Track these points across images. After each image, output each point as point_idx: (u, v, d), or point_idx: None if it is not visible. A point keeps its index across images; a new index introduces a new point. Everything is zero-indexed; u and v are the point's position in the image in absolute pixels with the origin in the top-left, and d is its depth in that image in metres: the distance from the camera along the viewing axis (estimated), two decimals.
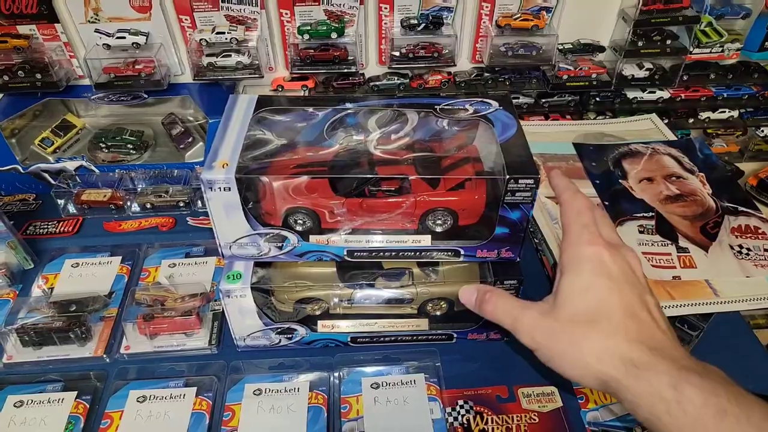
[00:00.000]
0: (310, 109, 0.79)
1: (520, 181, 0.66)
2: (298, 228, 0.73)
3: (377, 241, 0.75)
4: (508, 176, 0.65)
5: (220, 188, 0.66)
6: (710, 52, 1.20)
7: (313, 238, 0.74)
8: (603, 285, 0.48)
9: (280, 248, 0.74)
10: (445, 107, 0.78)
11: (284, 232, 0.72)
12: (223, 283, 0.74)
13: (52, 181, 1.06)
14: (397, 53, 1.10)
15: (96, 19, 1.03)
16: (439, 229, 0.75)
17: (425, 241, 0.75)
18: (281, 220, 0.73)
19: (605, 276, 0.48)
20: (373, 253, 0.75)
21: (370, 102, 0.81)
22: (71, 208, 1.04)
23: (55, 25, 1.04)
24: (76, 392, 0.75)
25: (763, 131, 1.36)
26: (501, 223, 0.71)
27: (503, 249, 0.74)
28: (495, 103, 0.77)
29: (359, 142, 0.75)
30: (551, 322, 0.49)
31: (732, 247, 0.84)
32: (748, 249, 0.84)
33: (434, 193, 0.73)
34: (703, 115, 1.31)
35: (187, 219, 1.03)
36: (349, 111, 0.80)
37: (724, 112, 1.31)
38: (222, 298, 0.75)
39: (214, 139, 0.71)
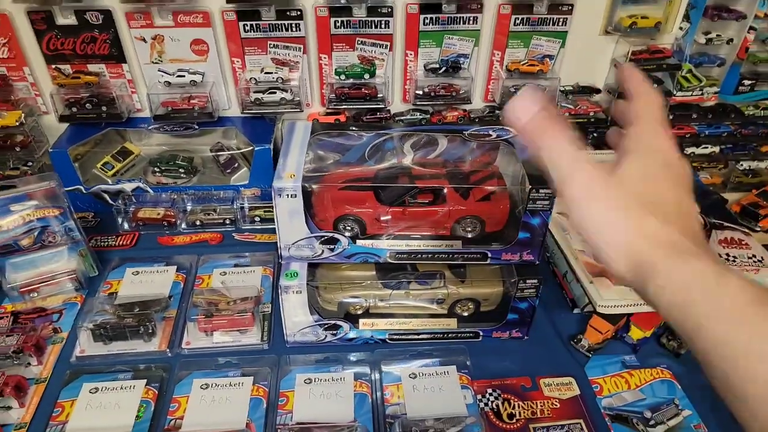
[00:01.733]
0: (356, 134, 0.93)
1: (540, 190, 0.78)
2: (347, 234, 0.85)
3: (415, 244, 0.86)
4: (530, 186, 0.78)
5: (288, 195, 0.78)
6: (692, 95, 1.36)
7: (359, 242, 0.85)
8: (669, 179, 0.46)
9: (332, 250, 0.85)
10: (473, 132, 0.91)
11: (337, 235, 0.84)
12: (282, 280, 0.84)
13: (111, 201, 1.17)
14: (420, 92, 1.25)
15: (159, 60, 1.17)
16: (469, 235, 0.87)
17: (457, 245, 0.87)
18: (332, 227, 0.85)
19: (672, 172, 0.46)
20: (412, 255, 0.86)
21: (407, 129, 0.95)
22: (126, 225, 1.15)
23: (122, 64, 1.18)
24: (145, 380, 0.84)
25: (742, 165, 1.51)
26: (523, 229, 0.83)
27: (525, 252, 0.86)
28: (513, 130, 0.91)
29: (397, 162, 0.88)
30: (611, 187, 0.45)
31: (720, 255, 0.97)
32: (734, 257, 0.96)
33: (465, 203, 0.86)
34: (689, 150, 1.46)
35: (233, 235, 1.14)
36: (387, 136, 0.93)
37: (707, 147, 1.47)
38: (280, 294, 0.85)
39: (280, 158, 0.83)
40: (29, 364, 0.85)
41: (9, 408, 0.79)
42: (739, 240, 1.01)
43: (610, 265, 0.45)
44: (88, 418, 0.78)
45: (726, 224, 1.04)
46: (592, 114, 1.34)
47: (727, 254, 0.97)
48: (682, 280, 0.41)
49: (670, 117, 1.40)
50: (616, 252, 0.44)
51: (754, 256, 0.97)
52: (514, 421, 0.82)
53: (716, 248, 0.98)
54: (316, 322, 0.89)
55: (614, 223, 0.44)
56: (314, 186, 0.80)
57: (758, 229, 1.38)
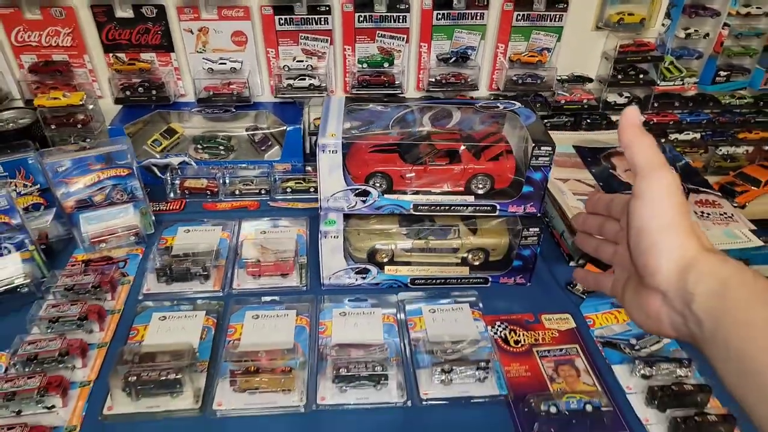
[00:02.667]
0: (380, 107, 1.08)
1: (542, 147, 0.93)
2: (377, 189, 1.00)
3: (434, 198, 1.01)
4: (533, 144, 0.93)
5: (330, 151, 0.93)
6: (673, 85, 1.53)
7: (387, 195, 1.00)
8: (679, 205, 0.49)
9: (364, 202, 0.99)
10: (484, 105, 1.07)
11: (368, 188, 0.98)
12: (323, 226, 0.99)
13: (159, 174, 1.32)
14: (432, 80, 1.41)
15: (203, 50, 1.33)
16: (480, 191, 1.02)
17: (470, 199, 1.02)
18: (364, 182, 1.00)
19: (679, 198, 0.50)
20: (432, 207, 1.01)
21: (425, 102, 1.11)
22: (173, 195, 1.29)
23: (171, 53, 1.34)
24: (204, 311, 0.98)
25: (720, 150, 1.67)
26: (527, 183, 0.98)
27: (528, 204, 1.01)
28: (518, 103, 1.07)
29: (419, 131, 1.04)
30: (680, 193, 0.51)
31: (696, 213, 1.12)
32: (708, 213, 1.12)
33: (477, 163, 1.01)
34: (672, 136, 1.62)
35: (269, 202, 1.29)
36: (408, 110, 1.08)
37: (689, 134, 1.63)
38: (320, 239, 1.00)
39: (320, 122, 0.98)
40: (105, 298, 0.99)
41: (91, 331, 0.93)
42: (712, 201, 1.16)
43: (658, 259, 0.49)
44: (160, 338, 0.92)
45: (701, 189, 1.19)
46: (585, 101, 1.50)
47: (702, 212, 1.12)
48: (724, 269, 0.46)
49: (655, 105, 1.56)
50: (669, 247, 0.49)
51: (725, 213, 1.12)
52: (520, 345, 0.97)
53: (692, 207, 1.13)
54: (348, 265, 1.04)
55: (678, 223, 0.49)
56: (351, 144, 0.96)
57: (735, 204, 1.53)
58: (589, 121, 1.54)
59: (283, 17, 1.30)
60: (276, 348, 0.90)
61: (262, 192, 1.30)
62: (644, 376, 0.90)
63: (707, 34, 1.49)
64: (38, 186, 1.08)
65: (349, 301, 1.04)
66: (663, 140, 1.62)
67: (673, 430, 0.82)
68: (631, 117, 0.53)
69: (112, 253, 1.11)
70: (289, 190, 1.31)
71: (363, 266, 1.05)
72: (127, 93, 1.33)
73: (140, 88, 1.32)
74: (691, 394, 0.85)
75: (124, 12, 1.27)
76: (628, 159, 0.52)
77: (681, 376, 0.90)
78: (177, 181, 1.30)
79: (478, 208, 1.01)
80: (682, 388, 0.85)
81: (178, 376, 0.82)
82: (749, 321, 0.43)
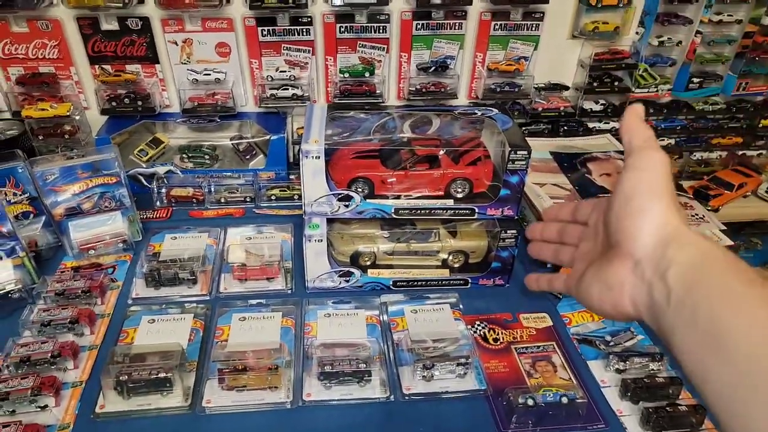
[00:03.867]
0: (362, 115, 1.12)
1: (518, 152, 0.97)
2: (359, 194, 1.03)
3: (415, 203, 1.04)
4: (510, 149, 0.97)
5: (313, 157, 0.96)
6: (648, 92, 1.58)
7: (369, 200, 1.03)
8: (668, 182, 0.51)
9: (347, 206, 1.03)
10: (462, 111, 1.11)
11: (351, 193, 1.02)
12: (307, 230, 1.02)
13: (145, 183, 1.34)
14: (413, 89, 1.45)
15: (188, 61, 1.36)
16: (459, 195, 1.06)
17: (449, 203, 1.05)
18: (346, 187, 1.03)
19: (669, 177, 0.52)
20: (413, 211, 1.04)
21: (406, 110, 1.14)
22: (159, 203, 1.32)
23: (156, 65, 1.36)
24: (192, 314, 1.00)
25: (695, 155, 1.73)
26: (504, 186, 1.01)
27: (506, 207, 1.04)
28: (495, 110, 1.11)
29: (399, 138, 1.07)
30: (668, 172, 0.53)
31: None
32: None
33: (456, 167, 1.04)
34: None
35: (254, 210, 1.32)
36: (389, 117, 1.12)
37: (663, 140, 1.68)
38: (304, 242, 1.02)
39: (304, 129, 1.02)
40: (95, 303, 1.01)
41: (82, 334, 0.94)
42: (685, 203, 1.21)
43: (641, 222, 0.50)
44: (150, 339, 0.94)
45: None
46: (562, 108, 1.55)
47: None
48: (704, 243, 0.48)
49: None
50: (655, 214, 0.50)
51: (697, 214, 1.17)
52: (498, 343, 1.00)
53: None
54: (332, 268, 1.07)
55: (666, 195, 0.51)
56: (334, 150, 0.99)
57: (709, 208, 1.59)
58: (566, 128, 1.59)
59: (265, 28, 1.33)
60: (262, 348, 0.93)
61: (247, 200, 1.33)
62: (618, 371, 0.94)
63: (680, 42, 1.55)
64: (27, 195, 1.10)
65: (333, 303, 1.06)
66: None
67: (645, 421, 0.85)
68: (637, 109, 0.58)
69: (101, 259, 1.13)
70: (273, 197, 1.34)
71: (346, 269, 1.08)
72: (113, 104, 1.35)
73: (126, 99, 1.35)
74: (663, 387, 0.89)
75: (109, 24, 1.30)
76: (625, 142, 0.55)
77: (653, 369, 0.93)
78: (163, 190, 1.32)
79: (457, 211, 1.05)
80: (654, 380, 0.89)
81: (167, 375, 0.85)
82: (723, 287, 0.44)
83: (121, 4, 1.23)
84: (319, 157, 0.97)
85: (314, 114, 1.07)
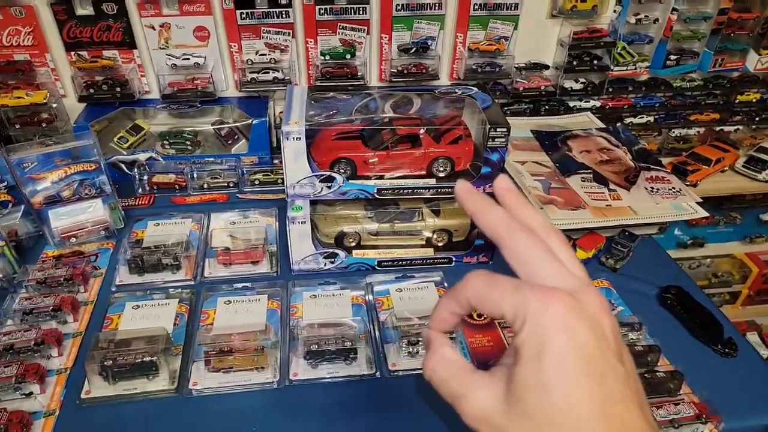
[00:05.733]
0: (343, 96, 1.11)
1: (497, 129, 0.98)
2: (341, 175, 1.03)
3: (398, 182, 1.05)
4: (489, 126, 0.98)
5: (294, 138, 0.96)
6: (626, 70, 1.59)
7: (352, 181, 1.03)
8: (570, 378, 0.33)
9: (330, 187, 1.03)
10: (443, 91, 1.11)
11: (333, 174, 1.02)
12: (290, 212, 1.02)
13: (126, 170, 1.33)
14: (394, 70, 1.45)
15: (166, 46, 1.34)
16: (441, 174, 1.06)
17: (432, 182, 1.06)
18: (328, 169, 1.03)
19: (571, 359, 0.34)
20: (395, 191, 1.05)
21: (387, 90, 1.14)
22: (141, 190, 1.31)
23: (133, 50, 1.35)
24: (177, 299, 1.00)
25: (674, 132, 1.75)
26: (485, 164, 1.02)
27: (487, 185, 1.05)
28: (475, 89, 1.11)
29: (381, 118, 1.07)
30: (503, 418, 0.36)
31: (646, 188, 1.18)
32: (658, 188, 1.18)
33: (437, 146, 1.05)
34: (627, 119, 1.69)
35: (237, 195, 1.31)
36: (371, 97, 1.12)
37: (643, 117, 1.70)
38: (288, 225, 1.03)
39: (284, 111, 1.01)
40: (78, 291, 1.00)
41: (65, 322, 0.94)
42: (662, 177, 1.22)
43: None
44: (134, 325, 0.94)
45: (652, 167, 1.26)
46: (543, 87, 1.56)
47: (653, 187, 1.19)
48: None
49: (610, 90, 1.63)
50: None
51: (674, 188, 1.19)
52: (482, 318, 1.01)
53: (644, 183, 1.20)
54: (317, 250, 1.07)
55: None
56: (315, 132, 0.99)
57: (688, 183, 1.61)
58: (547, 107, 1.60)
59: (244, 11, 1.32)
60: (248, 330, 0.93)
61: (231, 185, 1.32)
62: None
63: (657, 20, 1.56)
64: (5, 183, 1.09)
65: (318, 284, 1.07)
66: (618, 124, 1.68)
67: None
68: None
69: (83, 248, 1.12)
70: (257, 182, 1.33)
71: (331, 251, 1.08)
72: (91, 91, 1.34)
73: (104, 86, 1.33)
74: (642, 355, 0.91)
75: (84, 9, 1.28)
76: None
77: (633, 339, 0.95)
78: (145, 177, 1.31)
79: (439, 190, 1.05)
80: (633, 349, 0.91)
81: (153, 359, 0.85)
82: None
83: None
84: (299, 138, 0.97)
85: (294, 95, 1.07)
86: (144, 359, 0.84)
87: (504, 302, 0.36)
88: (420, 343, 0.92)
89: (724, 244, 2.00)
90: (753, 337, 1.99)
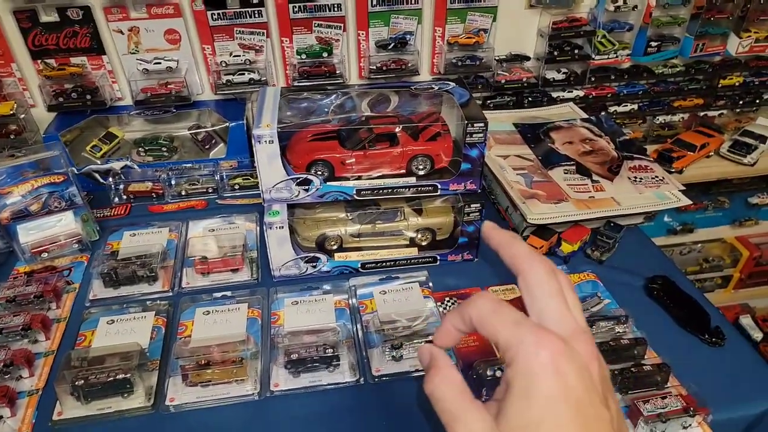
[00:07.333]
0: (318, 96, 1.09)
1: (474, 124, 0.96)
2: (318, 177, 1.00)
3: (377, 182, 1.02)
4: (466, 121, 0.95)
5: (266, 141, 0.93)
6: (608, 58, 1.57)
7: (330, 183, 1.01)
8: (558, 420, 0.36)
9: (307, 190, 1.00)
10: (418, 87, 1.09)
11: (310, 177, 0.99)
12: (267, 218, 0.99)
13: (101, 180, 1.29)
14: (373, 67, 1.42)
15: (136, 50, 1.31)
16: (421, 172, 1.04)
17: (412, 180, 1.03)
18: (305, 171, 1.00)
19: (560, 402, 0.36)
20: (375, 191, 1.02)
21: (363, 88, 1.12)
22: (118, 200, 1.27)
23: (102, 56, 1.31)
24: (154, 312, 0.97)
25: (658, 119, 1.74)
26: (465, 160, 1.00)
27: (468, 182, 1.03)
28: (452, 83, 1.09)
29: (358, 117, 1.05)
30: None
31: (629, 178, 1.17)
32: (641, 178, 1.16)
33: (416, 144, 1.03)
34: (611, 108, 1.67)
35: (216, 201, 1.28)
36: (347, 96, 1.09)
37: (626, 105, 1.68)
38: (266, 230, 1.00)
39: (256, 114, 0.98)
40: (50, 308, 0.97)
41: (36, 341, 0.91)
42: (645, 166, 1.21)
43: None
44: (108, 341, 0.91)
45: (635, 156, 1.24)
46: (525, 79, 1.54)
47: (635, 177, 1.17)
48: None
49: (592, 79, 1.61)
50: None
51: (657, 176, 1.17)
52: None
53: (626, 174, 1.18)
54: (297, 255, 1.05)
55: None
56: (288, 135, 0.96)
57: (673, 170, 1.60)
58: (530, 98, 1.57)
59: (215, 12, 1.29)
60: (227, 341, 0.90)
61: (209, 191, 1.29)
62: None
63: (635, 6, 1.54)
64: None
65: (301, 290, 1.04)
66: (603, 113, 1.67)
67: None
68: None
69: (56, 262, 1.09)
70: (236, 186, 1.30)
71: (312, 255, 1.06)
72: (61, 99, 1.30)
73: (73, 94, 1.30)
74: (628, 348, 0.89)
75: (48, 16, 1.24)
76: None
77: (619, 332, 0.94)
78: (121, 186, 1.28)
79: (420, 188, 1.03)
80: (620, 342, 0.89)
81: (127, 376, 0.82)
82: None
83: None
84: (272, 142, 0.94)
85: (267, 97, 1.04)
86: (117, 377, 0.82)
87: (501, 333, 0.38)
88: (403, 346, 0.90)
89: (714, 229, 1.99)
90: (746, 320, 1.98)
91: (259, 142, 0.93)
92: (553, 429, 0.35)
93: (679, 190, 1.13)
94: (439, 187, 1.03)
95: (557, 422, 0.35)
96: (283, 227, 1.01)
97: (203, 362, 0.85)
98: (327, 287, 1.04)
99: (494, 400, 0.41)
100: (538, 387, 0.36)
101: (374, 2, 1.35)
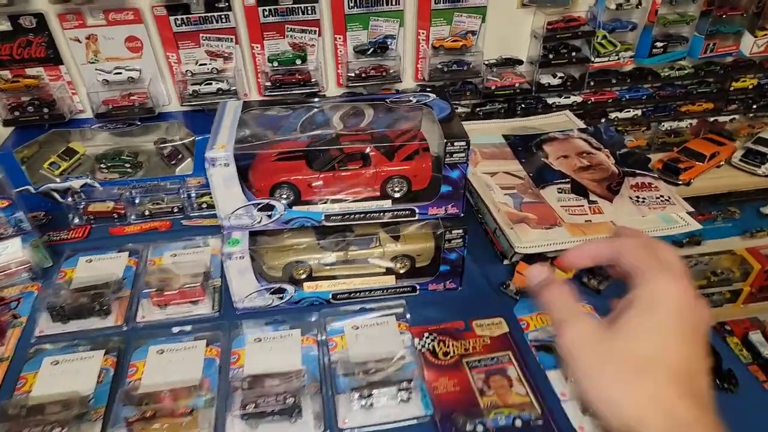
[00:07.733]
0: (287, 110, 0.99)
1: (455, 143, 0.86)
2: (283, 200, 0.91)
3: (348, 206, 0.93)
4: (446, 140, 0.85)
5: (221, 164, 0.84)
6: (608, 60, 1.46)
7: (296, 207, 0.91)
8: (676, 332, 0.44)
9: (270, 216, 0.91)
10: (395, 100, 0.99)
11: (273, 202, 0.90)
12: (225, 248, 0.90)
13: (60, 199, 1.20)
14: (352, 74, 1.32)
15: (95, 59, 1.22)
16: (396, 195, 0.94)
17: (387, 204, 0.94)
18: (269, 195, 0.91)
19: (681, 322, 0.44)
20: (346, 216, 0.93)
21: (335, 101, 1.02)
22: (77, 220, 1.19)
23: (60, 66, 1.22)
24: (104, 350, 0.89)
25: (663, 125, 1.63)
26: (445, 182, 0.90)
27: (449, 205, 0.93)
28: (432, 95, 0.99)
29: (328, 134, 0.95)
30: (604, 349, 0.45)
31: (631, 198, 1.06)
32: (644, 198, 1.06)
33: (390, 164, 0.93)
34: (612, 114, 1.57)
35: (182, 221, 1.19)
36: (317, 110, 0.99)
37: (629, 111, 1.58)
38: (224, 262, 0.91)
39: (211, 132, 0.89)
40: None
41: None
42: (648, 184, 1.10)
43: (604, 421, 0.44)
44: (51, 386, 0.82)
45: (637, 171, 1.14)
46: (517, 85, 1.43)
47: (637, 196, 1.06)
48: None
49: (591, 84, 1.50)
50: (607, 416, 0.43)
51: (662, 196, 1.07)
52: (449, 357, 0.90)
53: (628, 192, 1.08)
54: (262, 286, 0.95)
55: (606, 390, 0.43)
56: (249, 156, 0.87)
57: (679, 182, 1.49)
58: (523, 105, 1.47)
59: (178, 17, 1.19)
60: (180, 386, 0.82)
61: (175, 210, 1.20)
62: None
63: (640, 3, 1.42)
64: None
65: (266, 324, 0.95)
66: (603, 120, 1.56)
67: None
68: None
69: (4, 292, 1.00)
70: (204, 205, 1.21)
71: (278, 286, 0.96)
72: (17, 113, 1.21)
73: (30, 107, 1.21)
74: None
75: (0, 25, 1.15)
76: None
77: None
78: (81, 206, 1.19)
79: (396, 213, 0.94)
80: None
81: (64, 431, 0.74)
82: None
83: (5, 1, 1.08)
84: (228, 164, 0.85)
85: (225, 113, 0.94)
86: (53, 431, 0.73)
87: (645, 262, 0.49)
88: (374, 395, 0.81)
89: (723, 240, 1.88)
90: (756, 336, 1.88)
91: (213, 165, 0.84)
92: (664, 336, 0.44)
93: (688, 212, 1.02)
94: (417, 211, 0.93)
95: (674, 336, 0.44)
96: (243, 257, 0.91)
97: (149, 414, 0.77)
98: (294, 321, 0.95)
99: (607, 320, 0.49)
100: (662, 304, 0.45)
101: (351, 4, 1.25)
